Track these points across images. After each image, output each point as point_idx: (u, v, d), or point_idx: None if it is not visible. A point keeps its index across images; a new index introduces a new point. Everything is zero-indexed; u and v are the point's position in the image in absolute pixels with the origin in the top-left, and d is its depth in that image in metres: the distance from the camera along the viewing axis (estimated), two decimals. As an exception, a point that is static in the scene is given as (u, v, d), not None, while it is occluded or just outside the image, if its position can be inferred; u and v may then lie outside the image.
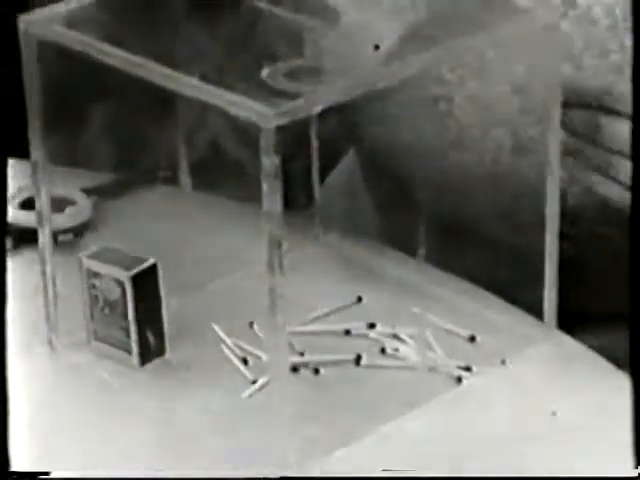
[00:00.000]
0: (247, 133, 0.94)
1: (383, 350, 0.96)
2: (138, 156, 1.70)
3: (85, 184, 1.19)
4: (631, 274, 0.96)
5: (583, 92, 1.14)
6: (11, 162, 1.10)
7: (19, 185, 1.14)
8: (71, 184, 1.14)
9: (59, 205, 1.09)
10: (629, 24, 1.18)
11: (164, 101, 1.07)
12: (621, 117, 1.15)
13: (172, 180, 1.25)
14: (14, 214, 1.13)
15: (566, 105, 1.06)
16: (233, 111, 0.83)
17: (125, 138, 1.73)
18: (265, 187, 0.81)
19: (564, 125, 1.09)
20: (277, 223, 0.83)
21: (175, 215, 1.20)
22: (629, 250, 0.99)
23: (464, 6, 1.03)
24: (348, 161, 1.44)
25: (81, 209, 1.15)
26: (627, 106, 1.08)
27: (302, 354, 0.94)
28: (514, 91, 1.15)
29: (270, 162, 0.80)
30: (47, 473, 0.88)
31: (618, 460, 0.88)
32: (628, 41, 1.15)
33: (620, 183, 1.13)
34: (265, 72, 0.95)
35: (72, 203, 1.13)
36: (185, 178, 1.24)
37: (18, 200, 1.15)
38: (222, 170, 1.67)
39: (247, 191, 1.09)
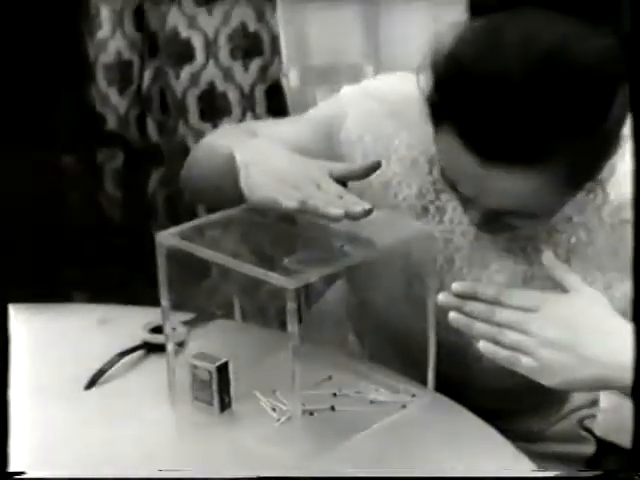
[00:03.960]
0: (279, 291, 1.11)
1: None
2: (210, 304, 2.01)
3: (182, 318, 1.44)
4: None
5: None
6: (143, 308, 1.44)
7: (149, 320, 1.40)
8: (176, 319, 1.35)
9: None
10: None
11: (226, 275, 1.31)
12: None
13: (229, 316, 1.45)
14: (147, 336, 1.38)
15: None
16: (272, 281, 1.09)
17: (204, 296, 2.03)
18: (289, 319, 1.09)
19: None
20: (296, 338, 1.10)
21: (233, 333, 1.44)
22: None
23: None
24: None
25: (181, 332, 1.39)
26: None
27: (304, 404, 1.20)
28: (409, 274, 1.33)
29: (291, 307, 1.08)
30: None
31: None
32: None
33: None
34: (286, 261, 1.16)
35: (175, 329, 1.35)
36: (238, 315, 1.44)
37: (149, 327, 1.39)
38: (259, 311, 1.90)
39: (276, 322, 1.42)
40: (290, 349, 1.10)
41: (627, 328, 1.11)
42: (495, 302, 1.15)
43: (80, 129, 2.06)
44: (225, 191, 1.29)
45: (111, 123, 2.12)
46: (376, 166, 1.25)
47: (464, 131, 1.10)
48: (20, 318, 1.40)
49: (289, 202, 1.16)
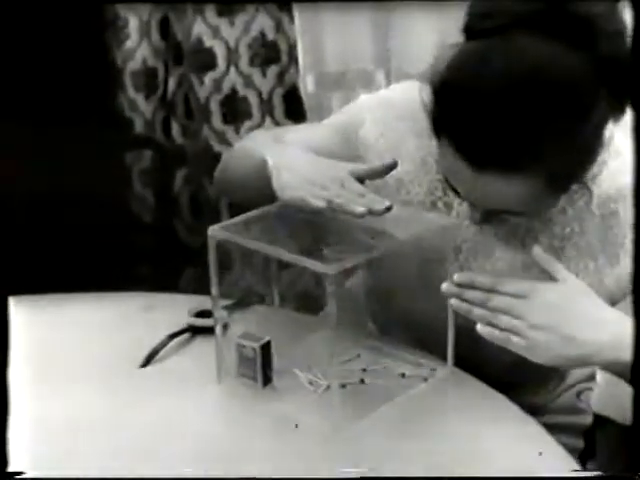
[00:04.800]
0: (319, 277, 1.17)
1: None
2: (250, 290, 2.05)
3: (224, 304, 1.46)
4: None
5: None
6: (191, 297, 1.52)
7: (195, 304, 1.49)
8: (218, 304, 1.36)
9: (211, 314, 1.37)
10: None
11: (249, 266, 1.37)
12: None
13: (268, 302, 1.53)
14: (192, 321, 1.46)
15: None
16: (315, 268, 1.18)
17: (244, 283, 2.05)
18: (329, 301, 1.18)
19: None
20: (334, 318, 1.19)
21: (271, 317, 1.53)
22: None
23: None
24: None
25: (223, 317, 1.42)
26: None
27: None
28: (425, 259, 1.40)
29: (331, 290, 1.17)
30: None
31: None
32: None
33: None
34: (326, 251, 1.24)
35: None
36: (276, 300, 1.54)
37: (194, 312, 1.47)
38: (292, 296, 1.94)
39: (309, 307, 1.44)
40: (329, 327, 1.20)
41: (607, 312, 1.21)
42: (490, 290, 1.24)
43: (110, 132, 2.14)
44: (256, 190, 1.37)
45: (138, 127, 2.20)
46: (393, 166, 1.34)
47: (457, 142, 1.20)
48: (69, 307, 1.58)
49: (317, 202, 1.25)
